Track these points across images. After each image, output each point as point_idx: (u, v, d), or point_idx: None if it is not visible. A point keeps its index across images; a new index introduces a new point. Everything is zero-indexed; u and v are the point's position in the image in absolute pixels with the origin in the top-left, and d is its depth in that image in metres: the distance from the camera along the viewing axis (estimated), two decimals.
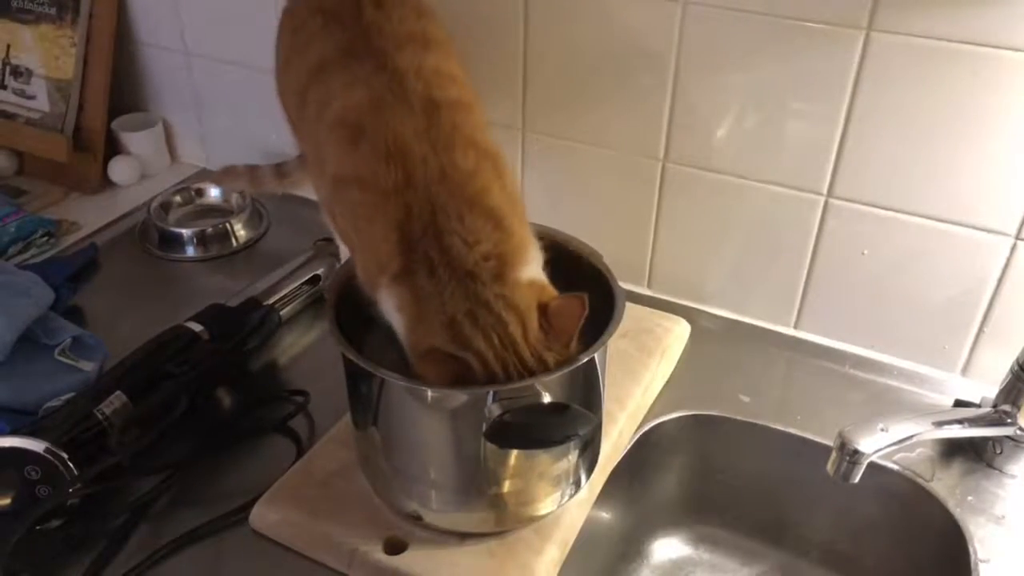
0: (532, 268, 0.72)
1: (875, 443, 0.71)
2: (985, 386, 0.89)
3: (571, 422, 0.67)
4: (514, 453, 0.70)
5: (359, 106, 0.73)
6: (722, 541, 0.94)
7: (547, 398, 0.68)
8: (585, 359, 0.69)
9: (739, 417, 0.90)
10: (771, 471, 0.91)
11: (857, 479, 0.72)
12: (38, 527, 0.75)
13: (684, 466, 0.94)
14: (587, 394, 0.73)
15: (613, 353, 0.76)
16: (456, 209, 0.68)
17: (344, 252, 1.01)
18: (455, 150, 0.70)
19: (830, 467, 0.73)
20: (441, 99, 0.72)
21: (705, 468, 0.93)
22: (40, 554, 0.76)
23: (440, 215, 0.68)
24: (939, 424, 0.77)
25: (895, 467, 0.84)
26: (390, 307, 0.70)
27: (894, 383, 0.94)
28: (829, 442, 0.74)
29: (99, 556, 0.75)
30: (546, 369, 0.68)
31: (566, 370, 0.69)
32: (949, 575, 0.79)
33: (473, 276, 0.68)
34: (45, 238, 1.16)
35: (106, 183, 1.30)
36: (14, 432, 0.76)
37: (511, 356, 0.67)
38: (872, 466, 0.74)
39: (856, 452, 0.71)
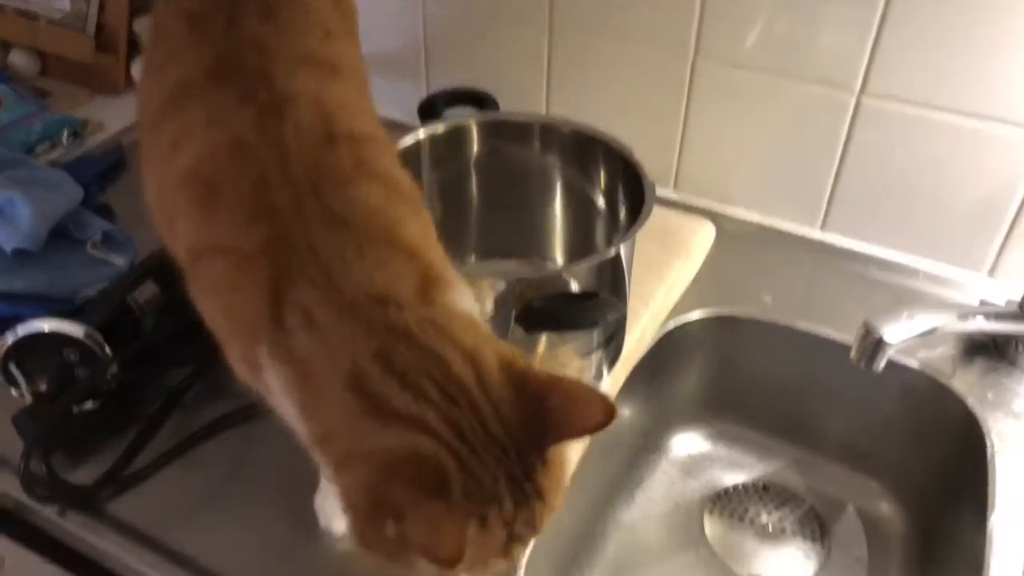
0: (467, 302, 0.55)
1: (899, 332, 0.71)
2: (1011, 288, 0.89)
3: (599, 308, 0.68)
4: (540, 341, 0.71)
5: (216, 154, 0.56)
6: (740, 437, 0.96)
7: (575, 287, 0.68)
8: (613, 252, 0.70)
9: (761, 317, 0.90)
10: (791, 370, 0.92)
11: (881, 366, 0.73)
12: (75, 408, 0.77)
13: (705, 364, 0.95)
14: (614, 287, 0.74)
15: (638, 253, 0.76)
16: (354, 247, 0.52)
17: None
18: (357, 185, 0.55)
19: (854, 354, 0.73)
20: (341, 132, 0.57)
21: (725, 367, 0.95)
22: (76, 434, 0.77)
23: (328, 257, 0.51)
24: (963, 316, 0.77)
25: (915, 365, 0.84)
26: (278, 390, 0.52)
27: (919, 285, 0.94)
28: (850, 341, 0.75)
29: (135, 439, 0.77)
30: (522, 464, 0.48)
31: (594, 262, 0.69)
32: (965, 467, 0.80)
33: (382, 300, 0.50)
34: (72, 137, 1.16)
35: (130, 84, 1.29)
36: (54, 316, 0.77)
37: (465, 415, 0.47)
38: (892, 364, 0.75)
39: (880, 341, 0.71)
